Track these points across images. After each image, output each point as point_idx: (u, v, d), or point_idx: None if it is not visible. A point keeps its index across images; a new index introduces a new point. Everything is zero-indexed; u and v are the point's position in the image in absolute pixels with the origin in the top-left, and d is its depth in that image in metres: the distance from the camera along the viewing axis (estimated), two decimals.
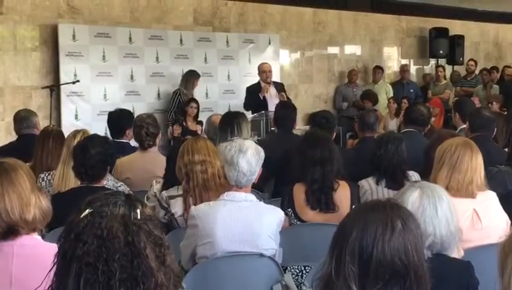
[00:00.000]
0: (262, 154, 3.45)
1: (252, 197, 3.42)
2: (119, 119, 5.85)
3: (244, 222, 3.31)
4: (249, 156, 3.33)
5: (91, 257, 1.52)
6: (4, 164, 2.50)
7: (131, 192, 4.46)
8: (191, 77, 9.48)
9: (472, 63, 12.60)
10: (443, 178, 3.46)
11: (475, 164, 3.49)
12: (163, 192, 3.99)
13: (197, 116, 9.10)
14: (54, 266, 1.60)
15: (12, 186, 2.42)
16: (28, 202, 2.43)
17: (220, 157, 3.50)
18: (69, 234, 1.57)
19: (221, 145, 3.49)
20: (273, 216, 3.43)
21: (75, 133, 4.48)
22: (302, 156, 4.09)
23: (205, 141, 4.05)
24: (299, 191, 4.04)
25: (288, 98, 9.13)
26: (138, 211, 1.62)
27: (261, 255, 3.32)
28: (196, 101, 9.12)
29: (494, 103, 9.48)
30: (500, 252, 1.72)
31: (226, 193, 3.40)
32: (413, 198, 2.57)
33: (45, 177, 4.52)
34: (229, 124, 5.27)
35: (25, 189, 2.44)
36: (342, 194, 4.03)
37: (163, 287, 1.58)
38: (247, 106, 8.98)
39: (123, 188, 4.41)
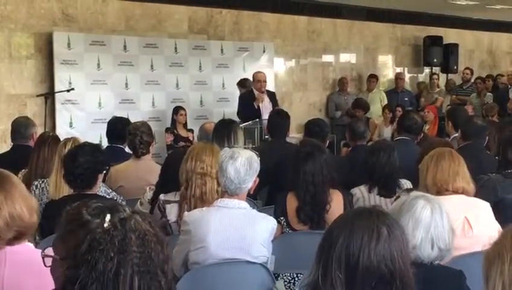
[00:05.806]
0: (256, 165, 3.41)
1: (245, 204, 3.42)
2: (121, 127, 5.79)
3: (236, 229, 3.31)
4: (238, 164, 3.32)
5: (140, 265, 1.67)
6: (3, 173, 2.51)
7: (123, 201, 4.47)
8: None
9: (468, 71, 12.58)
10: (430, 185, 3.50)
11: (454, 165, 3.53)
12: (161, 195, 3.97)
13: (186, 123, 9.21)
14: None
15: (18, 191, 2.44)
16: (32, 206, 2.46)
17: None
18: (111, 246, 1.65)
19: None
20: (265, 224, 3.42)
21: (66, 141, 4.45)
22: (293, 170, 4.07)
23: (212, 150, 3.87)
24: (291, 201, 4.03)
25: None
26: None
27: (253, 262, 3.32)
28: (183, 109, 9.21)
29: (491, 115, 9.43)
30: (484, 261, 1.72)
31: (219, 200, 3.41)
32: (426, 213, 2.52)
33: (39, 185, 4.50)
34: (225, 132, 5.27)
35: (26, 194, 2.47)
36: (336, 207, 3.99)
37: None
38: (240, 114, 8.98)
39: (112, 195, 4.40)
